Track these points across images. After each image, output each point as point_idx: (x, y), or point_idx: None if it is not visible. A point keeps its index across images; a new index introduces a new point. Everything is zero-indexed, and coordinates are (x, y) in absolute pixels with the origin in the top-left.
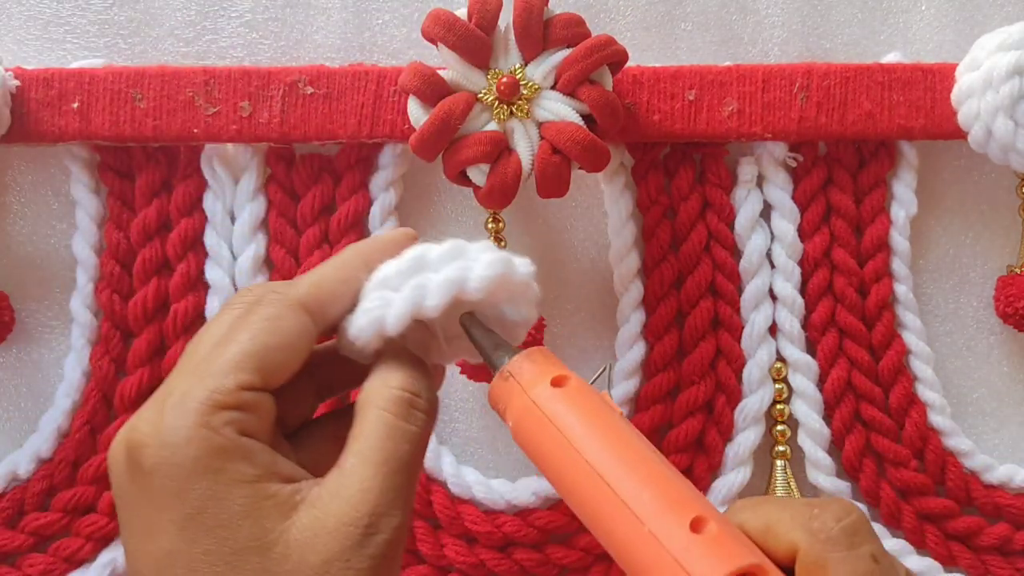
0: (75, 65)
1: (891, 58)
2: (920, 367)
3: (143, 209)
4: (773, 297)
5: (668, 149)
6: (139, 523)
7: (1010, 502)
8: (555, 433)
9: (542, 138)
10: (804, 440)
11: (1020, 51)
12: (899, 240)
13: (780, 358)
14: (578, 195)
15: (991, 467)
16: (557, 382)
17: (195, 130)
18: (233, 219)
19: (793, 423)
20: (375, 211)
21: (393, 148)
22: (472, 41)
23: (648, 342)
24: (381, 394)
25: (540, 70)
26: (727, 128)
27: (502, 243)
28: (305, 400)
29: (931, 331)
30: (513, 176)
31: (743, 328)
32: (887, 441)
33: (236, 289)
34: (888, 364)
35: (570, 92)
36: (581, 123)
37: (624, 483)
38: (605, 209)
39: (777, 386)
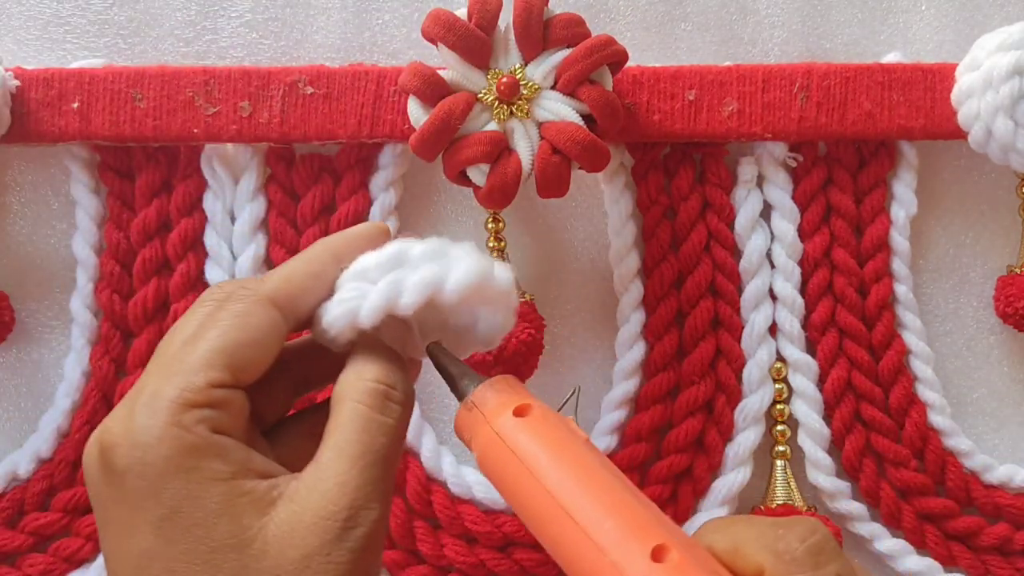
0: (75, 65)
1: (891, 58)
2: (920, 367)
3: (143, 209)
4: (773, 297)
5: (668, 149)
6: (115, 524)
7: (1010, 502)
8: (517, 464)
9: (542, 138)
10: (804, 440)
11: (1020, 51)
12: (899, 240)
13: (780, 358)
14: (578, 195)
15: (991, 467)
16: (520, 411)
17: (195, 130)
18: (233, 219)
19: (793, 423)
20: (375, 211)
21: (393, 148)
22: (472, 41)
23: (648, 342)
24: (356, 387)
25: (540, 70)
26: (727, 128)
27: (502, 243)
28: (281, 396)
29: (931, 331)
30: (513, 176)
31: (743, 328)
32: (887, 441)
33: None
34: (888, 364)
35: (570, 92)
36: (581, 123)
37: (586, 512)
38: (605, 209)
39: (777, 386)
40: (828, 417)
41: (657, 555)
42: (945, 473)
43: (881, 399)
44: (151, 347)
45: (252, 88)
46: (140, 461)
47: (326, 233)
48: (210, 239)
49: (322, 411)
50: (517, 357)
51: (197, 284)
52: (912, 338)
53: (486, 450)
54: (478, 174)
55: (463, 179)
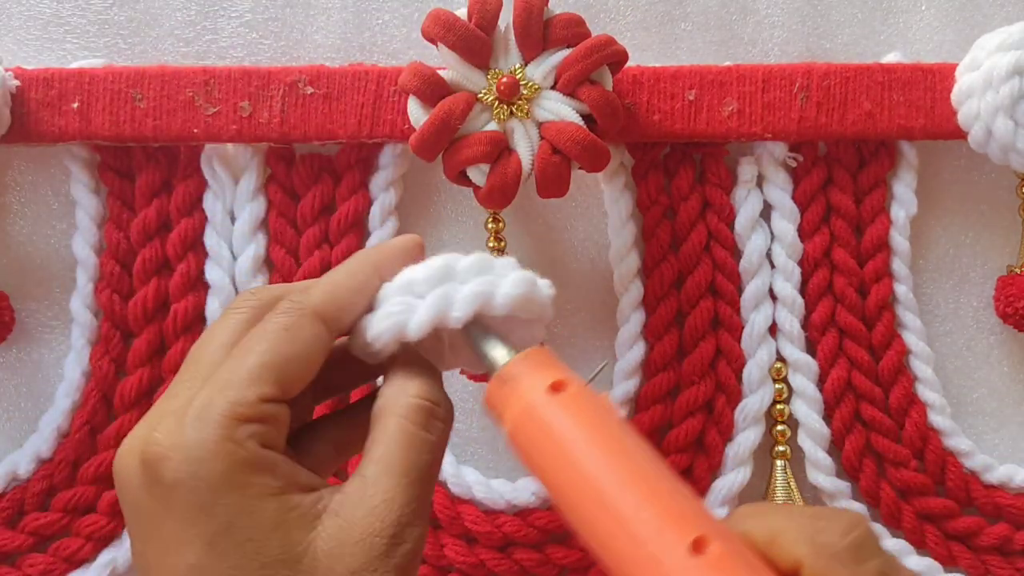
0: (75, 65)
1: (891, 58)
2: (920, 367)
3: (143, 209)
4: (773, 297)
5: (668, 149)
6: (159, 537)
7: (1010, 502)
8: (552, 443)
9: (542, 138)
10: (804, 440)
11: (1020, 51)
12: (899, 240)
13: (780, 358)
14: (578, 195)
15: (991, 467)
16: (556, 387)
17: (195, 130)
18: (233, 219)
19: (793, 423)
20: (375, 211)
21: (393, 148)
22: (472, 41)
23: (648, 342)
24: (400, 402)
25: (540, 70)
26: (727, 128)
27: (502, 243)
28: (305, 404)
29: (931, 331)
30: (513, 176)
31: (743, 328)
32: (887, 441)
33: (236, 289)
34: (888, 364)
35: (570, 92)
36: (581, 123)
37: (623, 500)
38: (605, 209)
39: (777, 386)
40: (828, 417)
41: (697, 547)
42: (945, 473)
43: (881, 399)
44: (151, 347)
45: (252, 88)
46: (193, 476)
47: (326, 233)
48: (210, 239)
49: (345, 419)
50: None
51: (197, 284)
52: (912, 338)
53: (517, 427)
54: (478, 174)
55: (463, 179)
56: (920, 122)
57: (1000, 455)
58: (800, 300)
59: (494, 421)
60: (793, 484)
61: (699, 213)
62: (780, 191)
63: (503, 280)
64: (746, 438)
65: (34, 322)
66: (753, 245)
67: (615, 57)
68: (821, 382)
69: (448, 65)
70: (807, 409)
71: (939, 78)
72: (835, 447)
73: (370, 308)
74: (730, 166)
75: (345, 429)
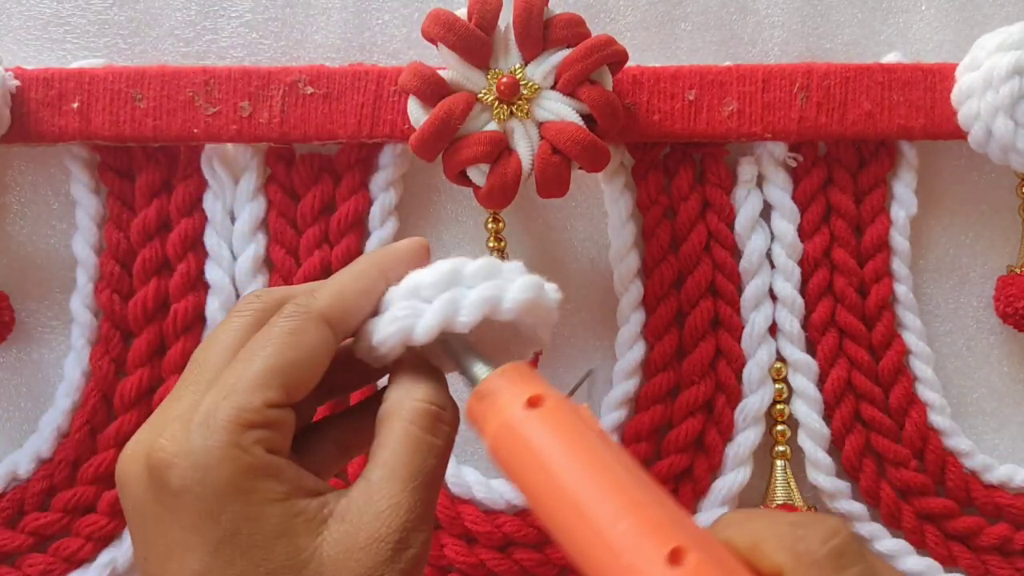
0: (75, 65)
1: (891, 58)
2: (920, 367)
3: (143, 209)
4: (773, 297)
5: (668, 149)
6: (164, 543)
7: (1010, 502)
8: (530, 457)
9: (542, 138)
10: (804, 440)
11: (1020, 51)
12: (899, 240)
13: (780, 358)
14: (578, 195)
15: (991, 467)
16: (533, 402)
17: (195, 130)
18: (233, 219)
19: (793, 423)
20: (375, 211)
21: (393, 148)
22: (472, 41)
23: (648, 342)
24: (405, 406)
25: (540, 70)
26: (727, 128)
27: (502, 243)
28: (307, 405)
29: (931, 331)
30: (513, 176)
31: (743, 328)
32: (887, 441)
33: (236, 289)
34: (888, 364)
35: (570, 92)
36: (581, 123)
37: (601, 511)
38: (605, 209)
39: (777, 386)
40: (828, 417)
41: (674, 558)
42: (945, 473)
43: (881, 399)
44: (151, 347)
45: (252, 88)
46: (200, 482)
47: (326, 233)
48: (210, 239)
49: (348, 421)
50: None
51: (197, 284)
52: (912, 338)
53: (497, 442)
54: (478, 174)
55: (463, 179)
56: (920, 122)
57: (1000, 455)
58: (800, 300)
59: (477, 435)
60: (793, 484)
61: (699, 213)
62: (780, 191)
63: (511, 285)
64: (746, 438)
65: (34, 322)
66: (753, 245)
67: (615, 57)
68: (821, 382)
69: (448, 65)
70: (807, 409)
71: (939, 78)
72: (835, 447)
73: (376, 312)
74: (730, 166)
75: (348, 431)
